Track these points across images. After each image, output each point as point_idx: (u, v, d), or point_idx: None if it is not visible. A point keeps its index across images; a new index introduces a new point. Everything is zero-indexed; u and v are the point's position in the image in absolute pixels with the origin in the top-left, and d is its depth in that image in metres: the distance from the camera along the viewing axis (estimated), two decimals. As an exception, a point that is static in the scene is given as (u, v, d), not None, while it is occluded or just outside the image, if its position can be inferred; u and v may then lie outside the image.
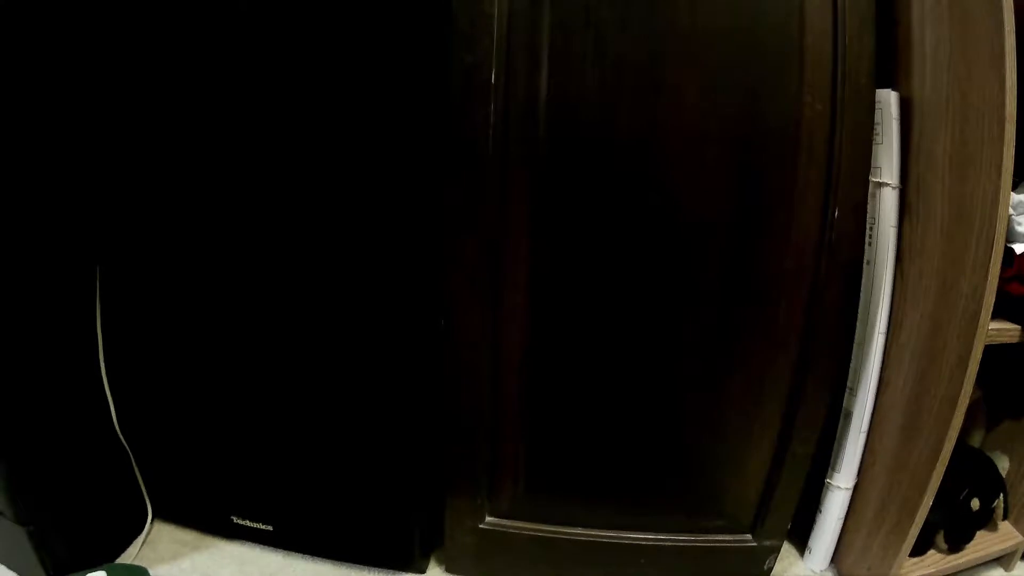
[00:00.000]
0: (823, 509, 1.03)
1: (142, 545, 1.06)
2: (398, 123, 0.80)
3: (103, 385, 0.99)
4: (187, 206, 0.89)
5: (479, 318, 0.88)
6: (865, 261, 0.91)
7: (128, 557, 1.03)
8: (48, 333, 0.90)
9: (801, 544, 1.10)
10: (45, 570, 0.93)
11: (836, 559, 1.07)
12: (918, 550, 0.97)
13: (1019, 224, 0.86)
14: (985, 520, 1.03)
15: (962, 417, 0.82)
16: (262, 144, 0.83)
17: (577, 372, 0.90)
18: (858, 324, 0.95)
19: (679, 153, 0.80)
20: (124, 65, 0.85)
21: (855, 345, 0.96)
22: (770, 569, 1.02)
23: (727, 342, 0.88)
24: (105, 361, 0.98)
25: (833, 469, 1.01)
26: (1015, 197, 0.85)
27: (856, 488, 1.00)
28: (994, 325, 0.80)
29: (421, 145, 0.82)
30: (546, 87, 0.78)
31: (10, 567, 0.98)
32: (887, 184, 0.87)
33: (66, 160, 0.89)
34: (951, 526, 0.99)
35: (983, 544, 1.03)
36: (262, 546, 1.08)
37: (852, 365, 0.96)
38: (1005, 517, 1.07)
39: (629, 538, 0.99)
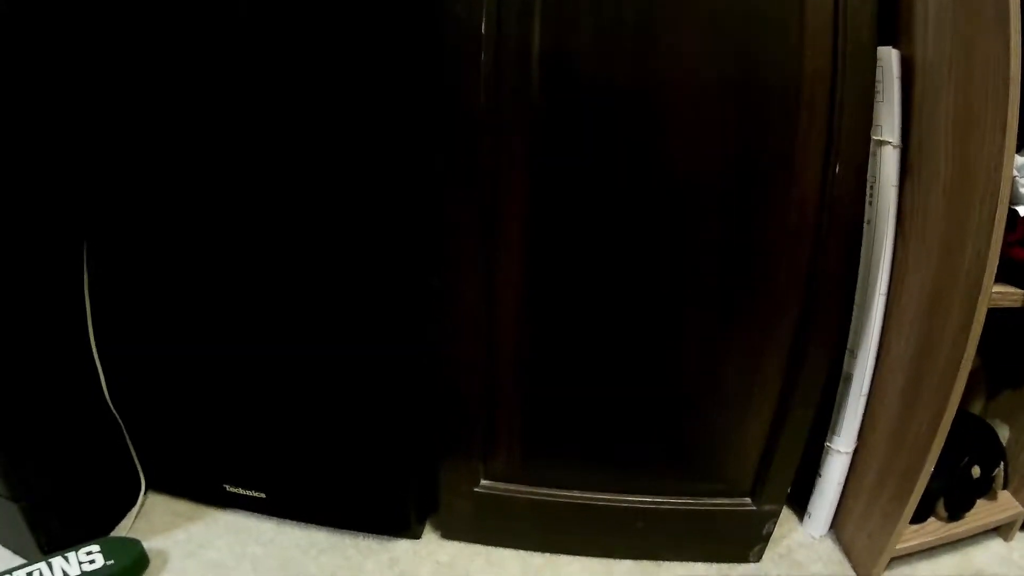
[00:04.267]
0: (823, 474, 1.03)
1: (136, 517, 1.05)
2: (386, 77, 0.78)
3: (93, 356, 0.97)
4: (175, 170, 0.87)
5: (474, 278, 0.86)
6: (866, 221, 0.90)
7: (122, 530, 1.03)
8: (36, 305, 0.88)
9: (801, 509, 1.09)
10: (39, 547, 0.92)
11: (836, 525, 1.07)
12: (918, 517, 0.97)
13: (1023, 186, 0.85)
14: (985, 489, 1.03)
15: (964, 382, 0.81)
16: (245, 99, 0.81)
17: (574, 334, 0.89)
18: (858, 286, 0.94)
19: (678, 107, 0.78)
20: (114, 47, 0.83)
21: (855, 307, 0.95)
22: (769, 534, 1.01)
23: (728, 301, 0.86)
24: (94, 332, 0.97)
25: (833, 433, 1.00)
26: (1019, 159, 0.84)
27: (856, 453, 1.00)
28: (997, 289, 0.79)
29: (409, 98, 0.80)
30: (539, 37, 0.76)
31: (4, 545, 0.98)
32: (888, 142, 0.86)
33: (55, 136, 0.87)
34: (951, 494, 0.99)
35: (983, 513, 1.03)
36: (256, 515, 1.08)
37: (852, 327, 0.96)
38: (1005, 486, 1.07)
39: (626, 501, 0.98)
